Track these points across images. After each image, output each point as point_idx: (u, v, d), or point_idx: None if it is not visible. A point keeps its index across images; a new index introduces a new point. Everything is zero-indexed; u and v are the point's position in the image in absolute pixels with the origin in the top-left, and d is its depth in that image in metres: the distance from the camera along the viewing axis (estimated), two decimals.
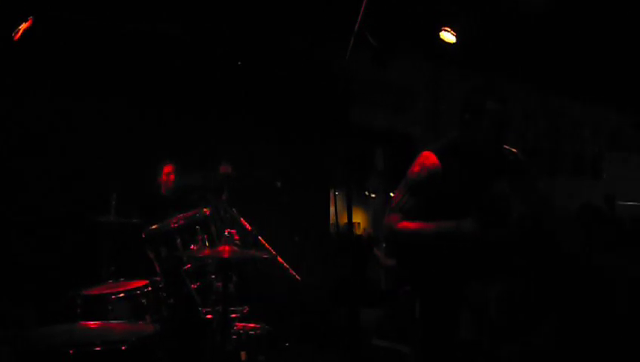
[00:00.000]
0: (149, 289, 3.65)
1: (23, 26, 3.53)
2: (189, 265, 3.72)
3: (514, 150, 3.40)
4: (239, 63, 5.66)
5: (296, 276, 4.13)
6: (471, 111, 3.23)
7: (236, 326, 3.62)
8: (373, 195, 8.09)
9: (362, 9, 2.82)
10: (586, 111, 9.44)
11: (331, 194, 6.11)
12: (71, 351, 2.48)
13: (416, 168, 3.22)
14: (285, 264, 4.08)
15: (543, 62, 7.14)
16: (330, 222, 6.33)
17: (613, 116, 9.71)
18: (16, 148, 4.58)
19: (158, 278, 3.78)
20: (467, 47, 6.09)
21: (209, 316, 3.57)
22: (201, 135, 5.28)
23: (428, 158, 3.22)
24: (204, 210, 3.89)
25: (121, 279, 3.90)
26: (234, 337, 3.54)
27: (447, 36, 5.78)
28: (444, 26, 5.72)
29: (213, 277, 3.68)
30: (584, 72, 7.48)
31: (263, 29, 5.72)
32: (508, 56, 6.63)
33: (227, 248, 3.11)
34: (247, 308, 3.75)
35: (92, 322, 2.96)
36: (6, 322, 3.65)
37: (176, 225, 3.80)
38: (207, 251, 3.59)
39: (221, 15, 5.45)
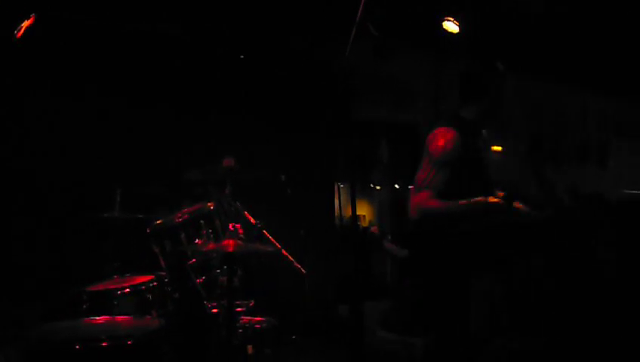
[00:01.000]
0: (155, 284, 3.65)
1: (25, 24, 3.53)
2: (193, 260, 3.72)
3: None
4: (242, 57, 5.65)
5: (301, 269, 4.13)
6: (475, 82, 3.29)
7: (242, 319, 3.62)
8: (377, 187, 8.08)
9: (362, 2, 2.81)
10: (591, 99, 9.39)
11: (335, 187, 6.10)
12: (77, 347, 2.49)
13: (440, 142, 3.20)
14: (290, 257, 4.07)
15: (547, 51, 7.11)
16: (335, 214, 6.31)
17: (619, 104, 9.66)
18: (17, 148, 4.58)
19: (163, 273, 3.78)
20: (469, 39, 6.07)
21: (214, 310, 3.57)
22: (201, 135, 5.27)
23: (448, 132, 3.23)
24: (208, 203, 3.89)
25: (127, 274, 3.90)
26: (240, 331, 3.54)
27: (450, 26, 5.76)
28: (447, 16, 5.70)
29: (218, 271, 3.69)
30: (589, 61, 7.44)
31: (262, 28, 5.71)
32: (511, 47, 6.59)
33: (232, 242, 3.11)
34: (253, 302, 3.76)
35: (98, 317, 2.98)
36: (6, 322, 3.65)
37: (180, 219, 3.79)
38: (211, 245, 3.59)
39: (221, 15, 5.43)
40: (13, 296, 4.12)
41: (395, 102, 7.21)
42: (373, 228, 6.05)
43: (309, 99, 5.94)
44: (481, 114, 3.34)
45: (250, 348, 3.55)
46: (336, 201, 6.07)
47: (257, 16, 5.55)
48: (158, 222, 3.87)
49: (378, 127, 7.36)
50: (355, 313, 2.96)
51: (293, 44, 5.99)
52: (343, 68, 3.00)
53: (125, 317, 3.09)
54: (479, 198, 3.14)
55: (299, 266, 4.12)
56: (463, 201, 3.13)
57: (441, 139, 3.21)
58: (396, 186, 7.88)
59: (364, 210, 7.92)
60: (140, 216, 4.18)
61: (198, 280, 3.69)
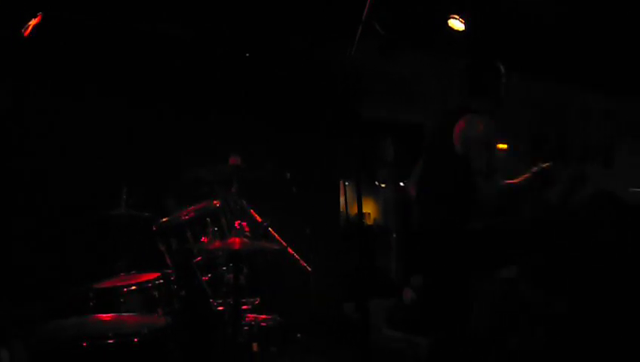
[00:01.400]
0: (161, 281, 3.65)
1: (33, 22, 3.53)
2: (199, 258, 3.73)
3: None
4: (247, 55, 5.65)
5: (307, 267, 4.14)
6: (476, 82, 3.31)
7: (248, 317, 3.63)
8: (383, 185, 8.09)
9: (368, 1, 2.82)
10: (592, 99, 9.36)
11: (341, 185, 6.10)
12: (84, 344, 2.49)
13: (481, 127, 3.22)
14: (296, 255, 4.08)
15: (547, 51, 7.09)
16: (340, 212, 6.32)
17: (620, 104, 9.63)
18: (17, 148, 4.58)
19: (169, 271, 3.79)
20: (472, 39, 6.06)
21: (220, 308, 3.58)
22: (202, 135, 5.28)
23: (480, 118, 3.26)
24: (214, 201, 3.90)
25: (133, 272, 3.90)
26: (245, 329, 3.55)
27: (456, 24, 5.74)
28: (452, 14, 5.69)
29: (224, 269, 3.70)
30: (591, 60, 7.42)
31: (262, 28, 5.70)
32: (512, 46, 6.58)
33: (237, 240, 3.12)
34: (259, 300, 3.77)
35: (104, 315, 2.99)
36: (12, 320, 3.66)
37: (186, 217, 3.80)
38: (217, 243, 3.60)
39: (221, 15, 5.43)
40: (18, 294, 4.13)
41: (401, 101, 7.21)
42: (406, 292, 5.87)
43: (310, 99, 5.93)
44: (484, 113, 3.36)
45: (255, 346, 3.56)
46: (342, 199, 6.08)
47: (257, 16, 5.53)
48: (164, 219, 3.88)
49: (383, 126, 7.37)
50: (360, 311, 2.96)
51: (293, 44, 5.98)
52: (348, 66, 3.01)
53: (131, 314, 3.10)
54: (535, 168, 3.20)
55: (304, 264, 4.12)
56: (524, 176, 3.17)
57: (480, 124, 3.22)
58: (401, 184, 7.88)
59: (369, 208, 7.94)
60: (146, 213, 4.19)
61: (204, 278, 3.70)
